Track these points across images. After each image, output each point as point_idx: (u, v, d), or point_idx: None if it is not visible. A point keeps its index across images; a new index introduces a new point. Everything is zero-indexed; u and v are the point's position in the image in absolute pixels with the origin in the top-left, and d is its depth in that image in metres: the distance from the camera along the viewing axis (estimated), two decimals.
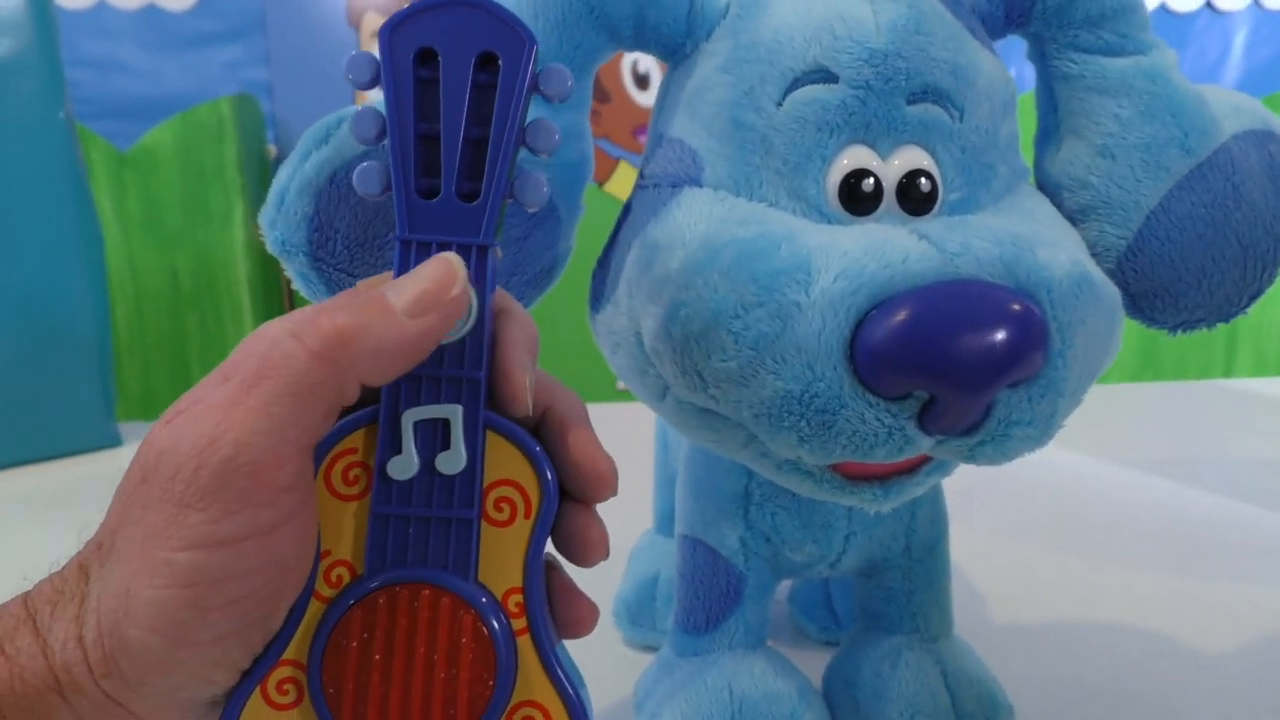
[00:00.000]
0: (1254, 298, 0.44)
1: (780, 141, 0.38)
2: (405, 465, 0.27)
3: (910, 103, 0.38)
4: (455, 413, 0.27)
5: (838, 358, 0.34)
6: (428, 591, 0.26)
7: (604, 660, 0.60)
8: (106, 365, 1.13)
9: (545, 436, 0.29)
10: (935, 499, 0.51)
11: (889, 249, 0.34)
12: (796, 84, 0.38)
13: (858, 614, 0.54)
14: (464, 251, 0.27)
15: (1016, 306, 0.33)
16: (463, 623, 0.26)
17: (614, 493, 0.29)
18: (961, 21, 0.40)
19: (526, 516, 0.27)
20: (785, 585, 0.66)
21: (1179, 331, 0.45)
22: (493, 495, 0.27)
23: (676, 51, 0.42)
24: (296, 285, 0.40)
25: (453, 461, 0.27)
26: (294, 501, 0.25)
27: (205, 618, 0.24)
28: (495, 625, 0.26)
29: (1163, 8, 2.02)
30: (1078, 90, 0.43)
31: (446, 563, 0.27)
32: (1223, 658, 0.60)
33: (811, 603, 0.62)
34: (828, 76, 0.38)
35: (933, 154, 0.39)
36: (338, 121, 0.38)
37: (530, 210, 0.29)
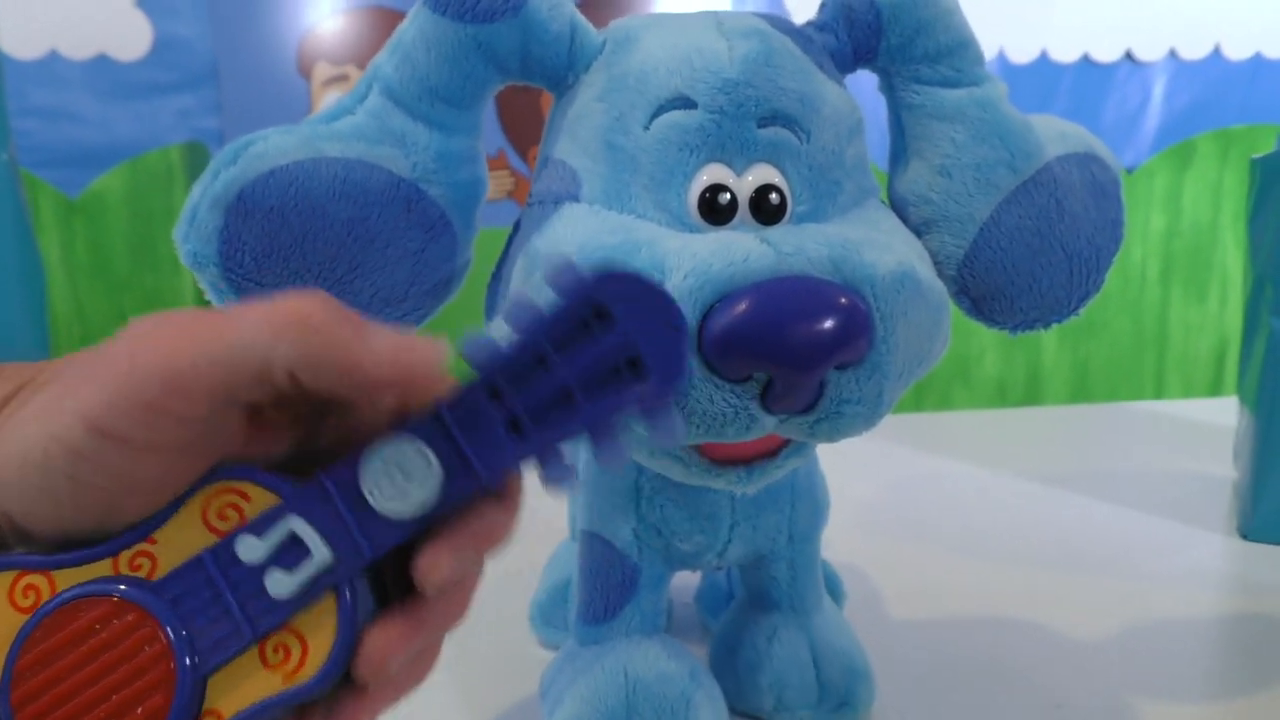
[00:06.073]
0: (1082, 300, 0.50)
1: (647, 160, 0.43)
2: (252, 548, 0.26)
3: (761, 126, 0.43)
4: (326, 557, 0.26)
5: None
6: None
7: (520, 660, 0.63)
8: None
9: None
10: (813, 492, 0.55)
11: (733, 250, 0.39)
12: (661, 110, 0.43)
13: (743, 589, 0.58)
14: (459, 469, 0.26)
15: (842, 298, 0.38)
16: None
17: None
18: (810, 57, 0.46)
19: None
20: (692, 585, 0.70)
21: (1018, 331, 0.50)
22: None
23: (560, 83, 0.47)
24: (209, 296, 0.44)
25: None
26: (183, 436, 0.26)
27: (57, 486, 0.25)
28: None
29: (1086, 59, 2.12)
30: (920, 117, 0.48)
31: None
32: (1086, 641, 0.64)
33: (715, 601, 0.66)
34: (687, 103, 0.43)
35: (782, 171, 0.44)
36: (245, 144, 0.42)
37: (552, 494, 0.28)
